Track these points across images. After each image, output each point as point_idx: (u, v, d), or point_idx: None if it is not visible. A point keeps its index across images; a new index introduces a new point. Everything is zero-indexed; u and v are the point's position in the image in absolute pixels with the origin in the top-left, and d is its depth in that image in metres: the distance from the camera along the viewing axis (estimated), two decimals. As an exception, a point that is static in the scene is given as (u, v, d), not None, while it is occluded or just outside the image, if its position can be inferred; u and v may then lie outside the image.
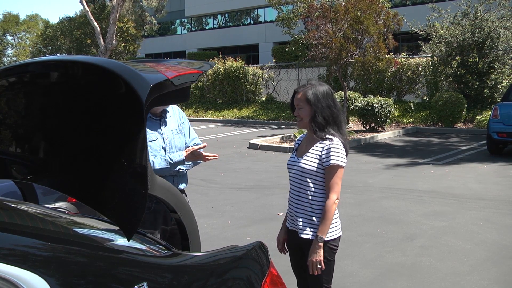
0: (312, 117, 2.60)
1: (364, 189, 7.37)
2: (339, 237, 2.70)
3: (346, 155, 2.66)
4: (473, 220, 5.66)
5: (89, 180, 1.87)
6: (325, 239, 2.58)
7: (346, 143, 2.67)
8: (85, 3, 22.00)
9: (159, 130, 2.98)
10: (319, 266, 2.55)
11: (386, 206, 6.38)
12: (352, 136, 12.90)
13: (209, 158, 3.00)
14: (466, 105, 14.58)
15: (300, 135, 2.89)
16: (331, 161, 2.56)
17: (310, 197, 2.63)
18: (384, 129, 14.49)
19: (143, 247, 1.90)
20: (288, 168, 2.75)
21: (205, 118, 20.50)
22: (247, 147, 12.22)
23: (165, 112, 3.02)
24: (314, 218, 2.61)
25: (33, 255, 1.49)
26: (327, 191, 2.59)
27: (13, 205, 1.94)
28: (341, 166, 2.59)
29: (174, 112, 3.12)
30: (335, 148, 2.58)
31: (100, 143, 1.84)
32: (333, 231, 2.64)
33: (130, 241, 1.76)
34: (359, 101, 14.29)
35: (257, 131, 15.74)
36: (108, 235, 1.91)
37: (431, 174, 8.34)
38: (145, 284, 1.51)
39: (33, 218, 1.84)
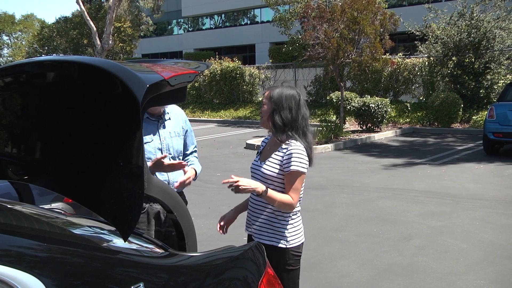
0: (270, 115, 2.56)
1: (361, 189, 7.38)
2: (302, 243, 2.63)
3: (310, 163, 2.58)
4: (469, 220, 5.68)
5: (86, 180, 1.87)
6: (289, 246, 2.54)
7: (311, 150, 2.58)
8: (81, 3, 21.94)
9: (156, 131, 2.90)
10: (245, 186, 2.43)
11: (383, 206, 6.39)
12: (349, 136, 12.92)
13: (175, 166, 2.76)
14: (462, 105, 14.63)
15: (265, 137, 2.81)
16: (291, 167, 2.48)
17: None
18: (380, 129, 14.51)
19: (140, 247, 1.90)
20: (251, 172, 2.69)
21: (201, 119, 20.49)
22: (244, 148, 12.21)
23: (164, 113, 2.95)
24: (276, 224, 2.57)
25: (29, 256, 1.49)
26: None
27: (9, 206, 1.93)
28: (302, 172, 2.50)
29: (176, 115, 3.05)
30: (296, 153, 2.49)
31: (97, 144, 1.84)
32: (296, 237, 2.58)
33: (126, 242, 1.75)
34: (356, 101, 14.30)
35: (254, 132, 15.74)
36: (104, 236, 1.91)
37: (428, 174, 8.36)
38: (141, 284, 1.50)
39: (29, 218, 1.83)
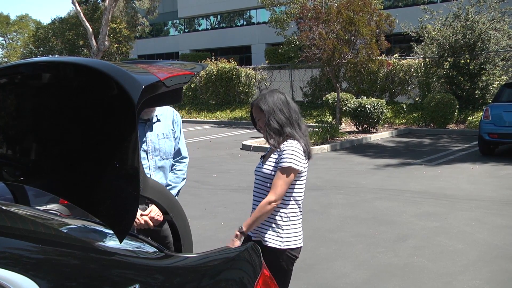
0: (266, 123, 2.60)
1: (357, 190, 7.39)
2: (300, 248, 2.64)
3: (308, 158, 2.63)
4: (465, 220, 5.70)
5: (81, 182, 1.86)
6: (285, 247, 2.55)
7: (307, 141, 2.62)
8: (77, 4, 21.90)
9: (143, 133, 2.89)
10: None
11: (379, 207, 6.40)
12: (345, 137, 12.94)
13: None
14: (458, 106, 14.69)
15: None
16: (283, 164, 2.53)
17: None
18: (376, 130, 14.54)
19: (135, 249, 1.90)
20: (254, 175, 2.74)
21: (197, 120, 20.47)
22: (240, 148, 12.21)
23: (152, 115, 2.93)
24: (273, 225, 2.58)
25: (24, 257, 1.48)
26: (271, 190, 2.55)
27: (4, 207, 1.92)
28: (294, 169, 2.53)
29: (167, 117, 3.02)
30: (289, 150, 2.54)
31: (92, 145, 1.83)
32: (294, 240, 2.59)
33: (122, 243, 1.75)
34: (352, 102, 14.33)
35: (250, 132, 15.74)
36: (100, 237, 1.90)
37: (424, 175, 8.38)
38: (137, 286, 1.50)
39: (24, 220, 1.83)
